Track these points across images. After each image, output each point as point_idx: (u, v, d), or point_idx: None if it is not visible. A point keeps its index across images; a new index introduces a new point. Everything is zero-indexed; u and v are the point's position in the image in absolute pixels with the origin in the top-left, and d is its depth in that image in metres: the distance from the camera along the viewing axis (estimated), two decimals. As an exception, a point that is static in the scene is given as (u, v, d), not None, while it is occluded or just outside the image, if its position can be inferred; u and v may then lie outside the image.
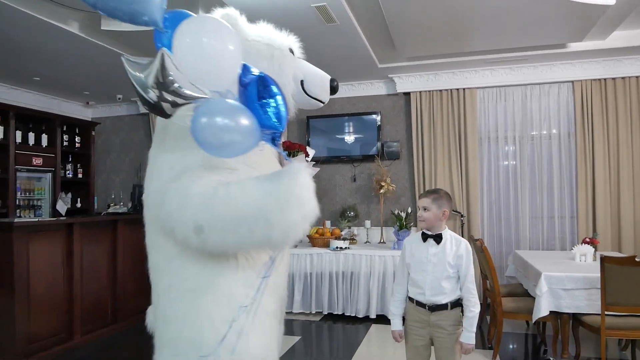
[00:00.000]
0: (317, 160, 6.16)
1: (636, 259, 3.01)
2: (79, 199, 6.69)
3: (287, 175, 1.36)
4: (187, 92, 1.35)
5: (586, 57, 5.26)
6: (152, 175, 1.56)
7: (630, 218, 5.16)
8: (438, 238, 2.37)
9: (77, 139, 6.64)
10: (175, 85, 1.34)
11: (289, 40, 1.89)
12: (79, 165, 6.67)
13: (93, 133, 6.81)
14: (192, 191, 1.38)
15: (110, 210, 5.77)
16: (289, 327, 4.79)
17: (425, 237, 2.41)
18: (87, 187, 6.76)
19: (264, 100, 1.45)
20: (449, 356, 2.36)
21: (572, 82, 5.48)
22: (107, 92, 6.38)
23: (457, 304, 2.37)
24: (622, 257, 3.11)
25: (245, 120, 1.33)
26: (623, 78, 5.28)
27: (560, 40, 4.84)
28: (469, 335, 2.30)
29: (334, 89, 1.88)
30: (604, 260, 3.08)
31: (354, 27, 4.22)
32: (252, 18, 4.08)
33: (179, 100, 1.36)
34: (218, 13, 1.73)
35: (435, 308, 2.36)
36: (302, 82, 1.81)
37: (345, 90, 6.26)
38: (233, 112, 1.33)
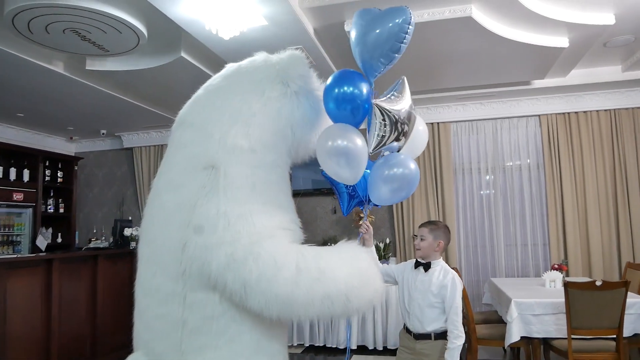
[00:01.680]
0: (298, 193, 6.29)
1: (596, 284, 3.18)
2: (60, 234, 6.68)
3: (362, 253, 1.47)
4: None
5: (550, 93, 5.57)
6: (202, 226, 1.39)
7: (599, 243, 5.37)
8: (427, 266, 2.49)
9: (60, 173, 6.69)
10: None
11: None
12: (60, 200, 6.69)
13: (76, 167, 6.87)
14: (280, 262, 1.35)
15: (92, 245, 5.78)
16: None
17: (417, 264, 2.54)
18: (68, 221, 6.76)
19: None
20: None
21: (539, 116, 5.77)
22: (91, 127, 6.48)
23: (442, 336, 2.43)
24: (583, 282, 3.28)
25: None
26: (585, 112, 5.59)
27: (525, 78, 5.15)
28: None
29: None
30: (567, 285, 3.24)
31: (329, 67, 4.44)
32: (230, 59, 4.27)
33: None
34: (288, 54, 1.70)
35: (420, 337, 2.44)
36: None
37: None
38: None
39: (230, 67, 1.72)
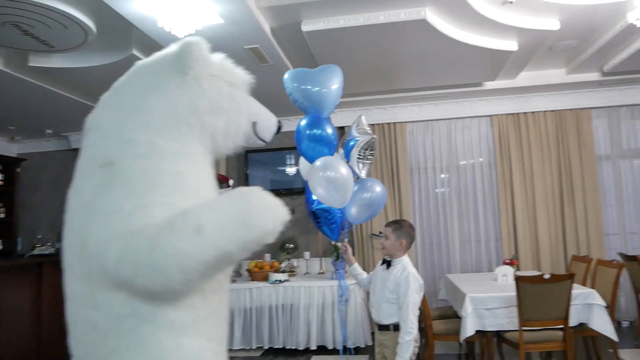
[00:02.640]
0: (255, 194, 6.23)
1: (545, 277, 3.32)
2: (0, 241, 6.31)
3: (252, 190, 1.36)
4: None
5: (500, 94, 5.78)
6: (97, 223, 1.38)
7: (546, 238, 5.62)
8: (388, 264, 2.61)
9: (0, 175, 6.32)
10: None
11: (247, 78, 1.79)
12: (1, 204, 6.33)
13: (18, 169, 6.51)
14: (157, 225, 1.29)
15: (36, 251, 5.49)
16: (229, 363, 4.73)
17: (383, 261, 2.67)
18: (9, 227, 6.40)
19: None
20: None
21: (490, 116, 5.98)
22: (35, 126, 6.16)
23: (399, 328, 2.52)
24: (532, 276, 3.42)
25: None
26: (533, 112, 5.84)
27: (476, 80, 5.31)
28: None
29: (279, 130, 1.87)
30: (518, 279, 3.37)
31: (286, 67, 4.42)
32: (187, 58, 4.16)
33: None
34: (182, 42, 1.61)
35: (381, 327, 2.59)
36: (254, 123, 1.75)
37: (284, 125, 6.42)
38: None
39: (136, 63, 1.71)
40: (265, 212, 1.31)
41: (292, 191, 6.30)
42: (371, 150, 2.96)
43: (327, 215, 2.63)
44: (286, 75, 2.74)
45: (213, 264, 1.28)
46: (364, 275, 2.88)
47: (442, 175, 6.10)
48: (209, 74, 1.59)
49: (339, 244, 2.80)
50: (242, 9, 3.27)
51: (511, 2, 3.65)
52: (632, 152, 5.77)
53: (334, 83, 2.84)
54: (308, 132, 2.69)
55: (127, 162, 1.45)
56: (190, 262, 1.26)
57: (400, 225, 2.65)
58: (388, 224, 2.70)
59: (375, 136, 3.19)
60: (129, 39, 3.86)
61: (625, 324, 5.39)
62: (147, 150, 1.45)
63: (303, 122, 2.75)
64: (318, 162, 2.65)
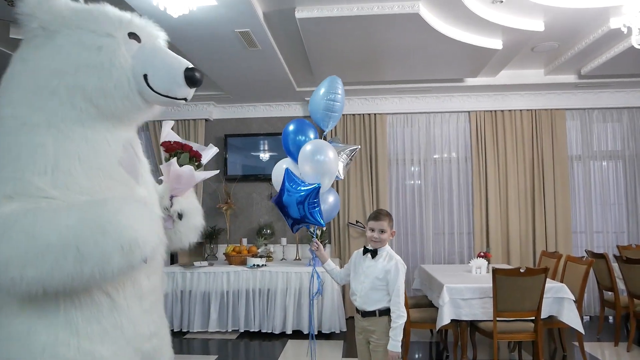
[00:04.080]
0: (234, 179, 6.22)
1: (520, 270, 3.46)
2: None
3: (110, 202, 1.26)
4: None
5: (480, 91, 5.91)
6: None
7: (517, 233, 5.83)
8: (374, 253, 2.64)
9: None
10: None
11: (132, 23, 1.53)
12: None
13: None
14: None
15: None
16: (205, 346, 4.75)
17: (365, 251, 2.69)
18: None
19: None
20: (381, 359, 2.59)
21: (469, 112, 6.11)
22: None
23: (386, 312, 2.60)
24: (509, 269, 3.56)
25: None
26: (510, 111, 6.00)
27: (459, 76, 5.41)
28: (394, 343, 2.53)
29: (192, 80, 1.54)
30: (495, 272, 3.50)
31: (275, 52, 4.40)
32: (176, 38, 4.10)
33: None
34: None
35: (365, 314, 2.63)
36: (145, 76, 1.49)
37: (264, 111, 6.41)
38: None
39: None
40: (112, 236, 1.20)
41: (268, 177, 6.29)
42: (351, 159, 3.20)
43: (285, 210, 2.65)
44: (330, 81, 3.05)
45: (48, 275, 1.17)
46: (338, 269, 2.89)
47: (419, 168, 6.21)
48: (65, 26, 1.38)
49: (313, 237, 2.79)
50: (237, -8, 3.24)
51: (501, 2, 3.73)
52: (602, 154, 6.02)
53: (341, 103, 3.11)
54: (293, 137, 2.83)
55: None
56: (13, 269, 1.17)
57: (390, 217, 2.70)
58: (382, 218, 2.66)
59: (359, 147, 3.72)
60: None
61: (586, 318, 5.66)
62: (11, 124, 1.36)
63: (291, 127, 2.89)
64: (309, 146, 2.76)
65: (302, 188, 2.55)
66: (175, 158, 1.80)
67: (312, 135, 2.95)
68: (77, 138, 1.41)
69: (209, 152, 1.95)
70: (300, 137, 2.91)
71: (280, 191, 2.60)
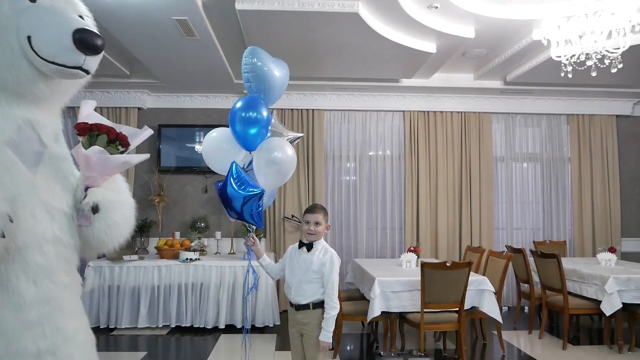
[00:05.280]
0: (167, 171, 6.03)
1: (447, 264, 3.65)
2: None
3: None
4: None
5: (414, 92, 6.13)
6: None
7: (445, 228, 6.13)
8: (309, 246, 2.67)
9: None
10: None
11: None
12: None
13: None
14: None
15: None
16: (134, 343, 4.60)
17: (301, 245, 2.72)
18: None
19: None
20: (313, 351, 2.64)
21: (403, 111, 6.32)
22: None
23: (320, 305, 2.64)
24: (437, 263, 3.74)
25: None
26: (442, 112, 6.28)
27: (395, 76, 5.59)
28: (325, 334, 2.58)
29: (83, 44, 1.30)
30: (423, 265, 3.66)
31: (213, 42, 4.31)
32: (110, 22, 3.92)
33: None
34: None
35: (299, 307, 2.66)
36: (29, 38, 1.29)
37: (200, 102, 6.26)
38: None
39: None
40: None
41: (204, 170, 6.17)
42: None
43: (228, 201, 2.60)
44: (248, 50, 2.66)
45: None
46: (273, 264, 2.91)
47: (355, 164, 6.35)
48: None
49: (248, 234, 2.78)
50: (176, -22, 3.15)
51: (436, 7, 3.89)
52: (522, 156, 6.45)
53: (285, 77, 2.87)
54: (243, 114, 2.65)
55: None
56: None
57: (326, 211, 2.77)
58: (318, 210, 2.73)
59: (302, 134, 3.71)
60: None
61: (504, 309, 6.06)
62: None
63: (239, 104, 2.71)
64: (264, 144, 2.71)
65: (249, 190, 2.51)
66: (85, 141, 1.52)
67: (264, 113, 2.72)
68: None
69: (139, 135, 1.66)
70: (251, 113, 2.66)
71: (225, 183, 2.55)
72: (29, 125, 1.40)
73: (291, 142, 3.06)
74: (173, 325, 4.99)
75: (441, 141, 6.25)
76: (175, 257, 5.23)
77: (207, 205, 6.22)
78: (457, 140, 6.27)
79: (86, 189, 1.53)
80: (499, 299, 4.13)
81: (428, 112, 6.28)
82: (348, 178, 6.38)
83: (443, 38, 4.40)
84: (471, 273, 3.82)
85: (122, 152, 1.60)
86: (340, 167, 6.36)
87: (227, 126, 5.92)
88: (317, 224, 2.67)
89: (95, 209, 1.50)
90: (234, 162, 2.61)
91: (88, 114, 1.62)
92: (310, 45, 4.52)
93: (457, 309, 3.78)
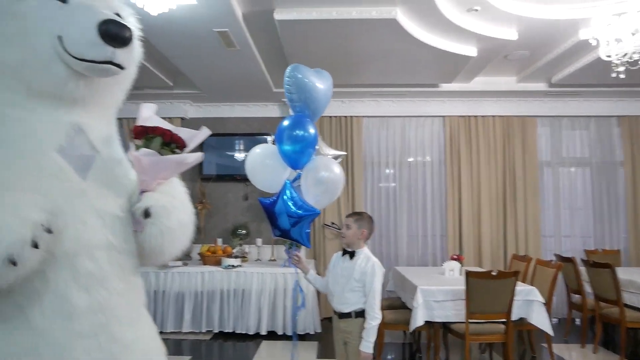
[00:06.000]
0: (209, 179, 6.16)
1: (492, 273, 3.54)
2: None
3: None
4: None
5: (454, 97, 6.02)
6: None
7: (488, 236, 5.95)
8: (352, 254, 2.68)
9: None
10: None
11: None
12: None
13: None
14: None
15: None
16: (178, 347, 4.70)
17: (344, 252, 2.74)
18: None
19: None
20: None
21: (444, 117, 6.21)
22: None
23: (362, 314, 2.64)
24: (482, 272, 3.64)
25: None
26: (483, 116, 6.13)
27: (434, 81, 5.51)
28: (366, 344, 2.57)
29: (109, 35, 1.26)
30: (468, 274, 3.57)
31: (252, 53, 4.38)
32: (154, 36, 4.05)
33: None
34: None
35: (342, 316, 2.67)
36: (60, 38, 1.26)
37: (240, 111, 6.38)
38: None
39: None
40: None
41: (244, 177, 6.24)
42: None
43: (274, 218, 2.63)
44: (289, 68, 2.69)
45: None
46: (320, 278, 2.95)
47: (394, 171, 6.28)
48: None
49: (288, 248, 2.83)
50: (217, -9, 3.22)
51: (476, 10, 3.81)
52: (570, 161, 6.21)
53: (328, 89, 2.86)
54: (290, 132, 2.67)
55: None
56: None
57: (361, 216, 2.78)
58: (350, 215, 2.81)
59: (345, 153, 3.71)
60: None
61: (554, 320, 5.82)
62: None
63: (286, 123, 2.73)
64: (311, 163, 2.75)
65: (304, 210, 2.55)
66: (140, 144, 1.47)
67: (311, 131, 2.73)
68: (9, 122, 1.27)
69: (197, 137, 1.56)
70: (298, 131, 2.68)
71: (276, 199, 2.59)
72: (78, 130, 1.38)
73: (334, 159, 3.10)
74: (216, 331, 5.06)
75: (483, 146, 6.10)
76: (218, 263, 5.32)
77: (247, 212, 6.31)
78: (500, 144, 6.10)
79: (141, 193, 1.47)
80: (548, 310, 3.96)
81: (469, 116, 6.15)
82: (387, 185, 6.32)
83: (484, 41, 4.31)
84: (518, 283, 3.69)
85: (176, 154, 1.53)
86: (380, 174, 6.31)
87: (266, 134, 6.01)
88: (347, 227, 2.69)
89: (147, 214, 1.42)
90: (287, 181, 2.64)
91: (147, 117, 1.56)
92: (349, 53, 4.52)
93: (504, 319, 3.65)
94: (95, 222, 1.34)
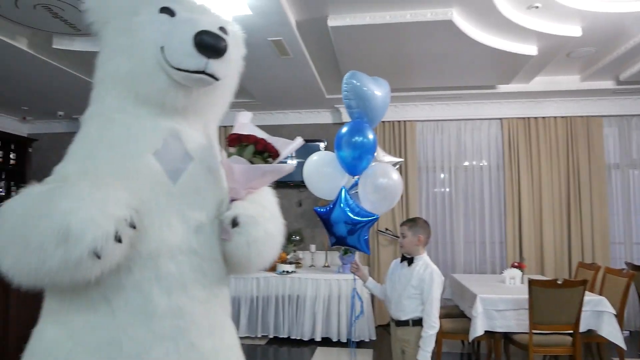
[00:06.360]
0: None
1: (558, 282, 3.37)
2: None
3: (67, 185, 1.18)
4: None
5: (512, 98, 5.81)
6: None
7: (551, 243, 5.68)
8: (410, 261, 2.66)
9: (12, 155, 6.32)
10: None
11: None
12: (12, 182, 6.32)
13: (30, 150, 6.50)
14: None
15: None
16: (235, 351, 4.78)
17: (403, 258, 2.73)
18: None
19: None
20: None
21: (501, 119, 6.01)
22: (48, 108, 6.14)
23: (420, 322, 2.60)
24: (546, 280, 3.47)
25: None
26: (543, 118, 5.87)
27: (492, 82, 5.34)
28: (423, 353, 2.52)
29: (203, 46, 1.31)
30: (531, 283, 3.41)
31: (306, 60, 4.43)
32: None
33: None
34: None
35: (399, 323, 2.64)
36: (162, 48, 1.34)
37: (294, 118, 6.46)
38: None
39: None
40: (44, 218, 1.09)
41: (298, 184, 6.32)
42: None
43: (329, 225, 2.63)
44: (347, 75, 2.74)
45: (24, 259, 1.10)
46: (379, 286, 2.94)
47: (450, 176, 6.13)
48: (110, 15, 1.40)
49: (345, 254, 2.87)
50: (272, 1, 3.28)
51: (537, 7, 3.67)
52: (641, 162, 5.83)
53: (386, 96, 2.87)
54: (350, 139, 2.70)
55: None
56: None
57: (415, 223, 2.74)
58: (404, 223, 2.79)
59: (402, 160, 3.69)
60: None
61: (625, 333, 5.45)
62: (86, 120, 1.42)
63: (345, 129, 2.76)
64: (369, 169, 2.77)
65: (362, 216, 2.56)
66: (234, 152, 1.48)
67: (370, 137, 2.78)
68: (117, 125, 1.36)
69: (290, 146, 1.54)
70: (357, 138, 2.74)
71: (332, 207, 2.61)
72: (176, 136, 1.42)
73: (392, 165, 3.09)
74: (271, 336, 5.12)
75: (544, 149, 5.83)
76: (272, 269, 5.39)
77: (301, 218, 6.36)
78: (563, 147, 5.82)
79: (231, 201, 1.47)
80: (619, 322, 3.72)
81: (528, 118, 5.91)
82: (443, 190, 6.18)
83: (545, 39, 4.13)
84: (586, 292, 3.49)
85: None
86: (435, 179, 6.18)
87: (319, 141, 6.06)
88: (403, 236, 2.67)
89: (234, 223, 1.42)
90: (343, 187, 2.65)
91: (242, 125, 1.57)
92: (403, 56, 4.47)
93: (571, 331, 3.46)
94: (180, 226, 1.37)
